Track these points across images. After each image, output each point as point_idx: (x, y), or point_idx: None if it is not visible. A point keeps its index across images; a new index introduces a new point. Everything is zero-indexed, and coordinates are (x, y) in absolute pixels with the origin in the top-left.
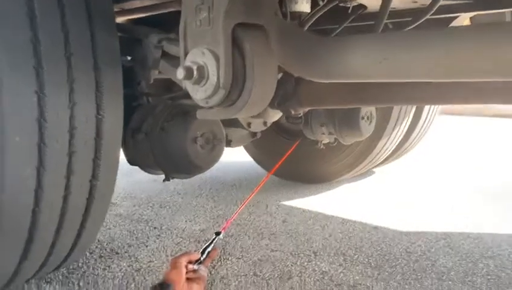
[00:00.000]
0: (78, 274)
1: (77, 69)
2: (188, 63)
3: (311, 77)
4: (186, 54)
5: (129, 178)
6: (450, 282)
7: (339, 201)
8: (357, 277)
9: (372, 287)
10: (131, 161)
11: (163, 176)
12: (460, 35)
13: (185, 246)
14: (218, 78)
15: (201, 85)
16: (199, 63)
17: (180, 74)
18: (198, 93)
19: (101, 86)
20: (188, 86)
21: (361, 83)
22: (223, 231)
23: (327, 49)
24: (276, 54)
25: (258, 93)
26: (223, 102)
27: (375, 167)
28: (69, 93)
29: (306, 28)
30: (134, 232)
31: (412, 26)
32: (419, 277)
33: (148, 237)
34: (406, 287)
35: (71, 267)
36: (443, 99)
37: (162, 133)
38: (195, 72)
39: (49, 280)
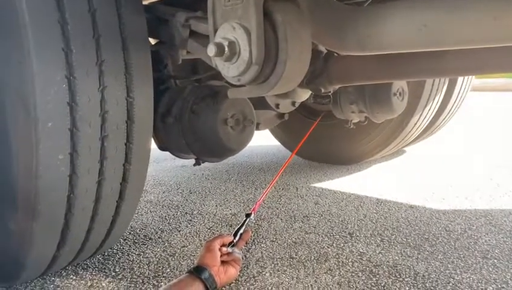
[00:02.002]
0: (113, 260)
1: (106, 51)
2: (218, 39)
3: (345, 50)
4: (215, 31)
5: (157, 165)
6: (495, 260)
7: (371, 181)
8: (397, 257)
9: (413, 267)
10: (162, 147)
11: (191, 162)
12: None
13: (217, 230)
14: (250, 54)
15: (232, 62)
16: (230, 39)
17: (211, 50)
18: (230, 71)
19: (130, 67)
20: (219, 63)
21: (395, 56)
22: (253, 212)
23: (361, 19)
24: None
25: (292, 66)
26: (256, 79)
27: (406, 145)
28: (98, 75)
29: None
30: (166, 218)
31: None
32: (462, 255)
33: (180, 223)
34: (449, 266)
35: (106, 253)
36: (483, 68)
37: (192, 115)
38: (226, 49)
39: (85, 266)
